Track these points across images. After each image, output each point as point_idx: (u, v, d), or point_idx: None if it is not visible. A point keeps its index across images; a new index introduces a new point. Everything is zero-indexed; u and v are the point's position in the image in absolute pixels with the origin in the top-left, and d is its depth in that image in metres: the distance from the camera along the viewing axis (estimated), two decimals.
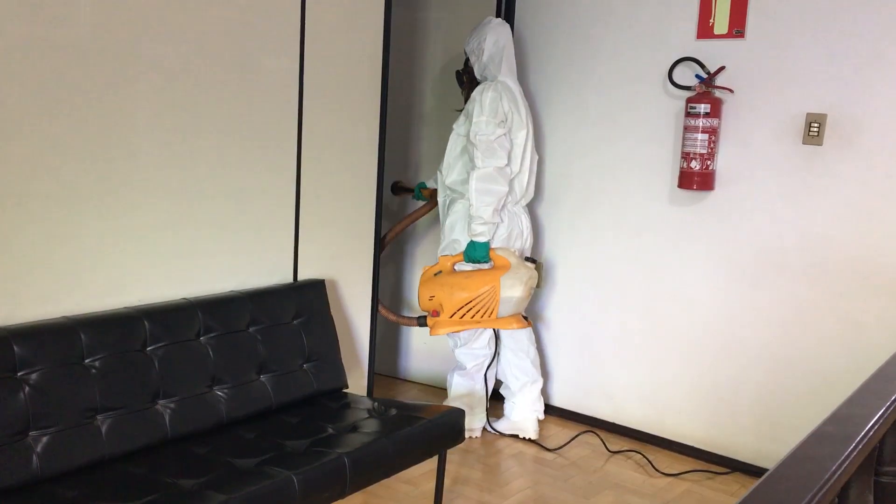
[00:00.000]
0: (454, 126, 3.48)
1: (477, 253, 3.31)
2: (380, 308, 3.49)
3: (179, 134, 2.48)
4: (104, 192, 2.31)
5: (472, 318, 3.30)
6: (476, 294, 3.27)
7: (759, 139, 3.23)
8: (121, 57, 2.29)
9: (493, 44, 3.39)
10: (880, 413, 1.23)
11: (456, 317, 3.31)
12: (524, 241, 3.53)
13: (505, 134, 3.30)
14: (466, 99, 3.50)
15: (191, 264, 2.58)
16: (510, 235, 3.45)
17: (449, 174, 3.49)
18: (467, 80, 3.55)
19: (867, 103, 2.99)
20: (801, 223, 3.16)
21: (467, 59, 3.53)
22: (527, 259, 3.47)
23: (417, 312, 4.16)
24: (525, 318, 3.43)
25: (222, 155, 2.62)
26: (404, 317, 3.65)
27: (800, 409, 3.21)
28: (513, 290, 3.27)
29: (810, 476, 1.03)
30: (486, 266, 3.35)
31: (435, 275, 3.40)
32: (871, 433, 1.16)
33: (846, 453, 1.08)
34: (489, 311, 3.29)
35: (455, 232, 3.47)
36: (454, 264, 3.39)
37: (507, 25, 3.50)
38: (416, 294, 4.08)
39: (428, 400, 3.90)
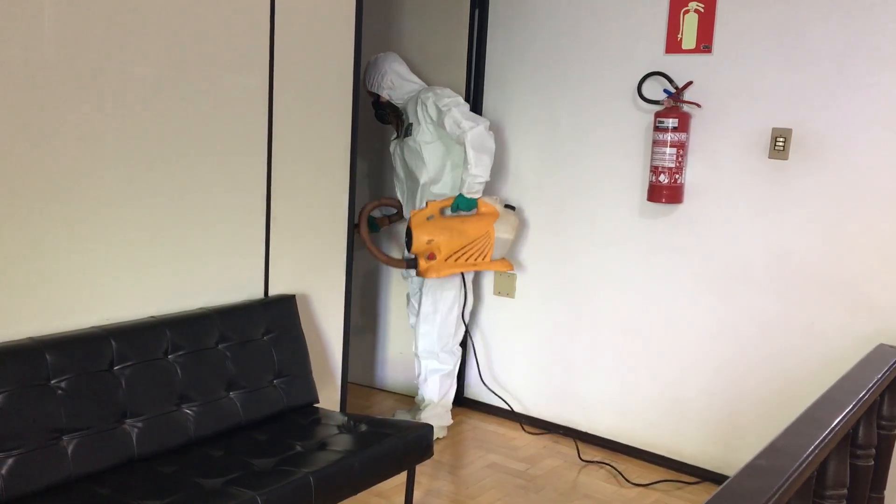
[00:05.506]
0: (417, 139, 3.56)
1: (468, 206, 3.50)
2: (369, 245, 3.62)
3: (146, 152, 2.49)
4: (69, 212, 2.31)
5: (467, 261, 3.50)
6: (474, 238, 3.48)
7: (726, 153, 3.27)
8: (86, 78, 2.30)
9: (394, 72, 3.62)
10: (816, 443, 1.25)
11: (451, 260, 3.48)
12: None
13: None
14: (398, 126, 3.68)
15: (159, 282, 2.58)
16: None
17: (435, 184, 3.61)
18: (391, 112, 3.69)
19: (831, 119, 3.03)
20: (767, 236, 3.20)
21: (377, 98, 3.67)
22: (506, 206, 3.66)
23: (386, 305, 4.22)
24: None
25: (191, 173, 2.63)
26: (393, 258, 3.69)
27: (766, 419, 3.25)
28: (506, 233, 3.54)
29: None
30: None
31: (427, 219, 3.49)
32: (804, 465, 1.18)
33: (776, 487, 1.11)
34: (483, 255, 3.51)
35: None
36: (441, 209, 3.54)
37: (393, 53, 3.71)
38: (388, 289, 4.17)
39: (403, 408, 3.91)
